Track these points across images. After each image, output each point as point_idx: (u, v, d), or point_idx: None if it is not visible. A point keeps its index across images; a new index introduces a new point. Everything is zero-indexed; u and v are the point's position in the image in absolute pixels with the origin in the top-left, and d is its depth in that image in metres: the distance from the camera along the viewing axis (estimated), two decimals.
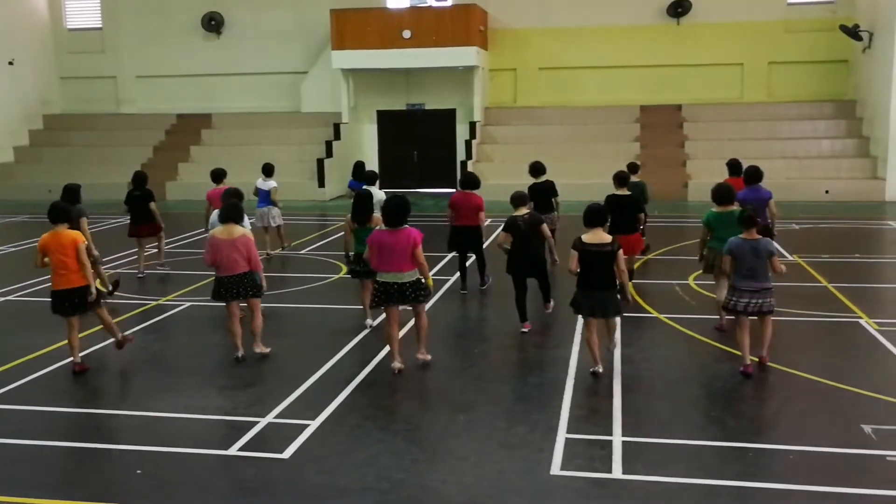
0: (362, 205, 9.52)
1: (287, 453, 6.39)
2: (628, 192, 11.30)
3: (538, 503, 5.64)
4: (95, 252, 9.79)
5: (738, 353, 8.16)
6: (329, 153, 24.38)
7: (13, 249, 16.18)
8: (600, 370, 7.99)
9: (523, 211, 9.66)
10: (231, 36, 26.96)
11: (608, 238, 7.95)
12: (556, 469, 6.07)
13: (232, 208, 8.64)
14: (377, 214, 9.15)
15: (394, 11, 24.85)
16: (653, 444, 6.54)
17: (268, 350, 8.83)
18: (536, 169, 12.94)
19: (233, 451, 6.47)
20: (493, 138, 25.06)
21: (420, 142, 25.89)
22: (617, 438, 6.58)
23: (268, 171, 14.45)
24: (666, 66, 24.66)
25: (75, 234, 8.28)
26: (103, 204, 19.76)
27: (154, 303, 11.24)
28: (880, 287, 12.34)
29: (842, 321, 10.04)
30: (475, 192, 11.48)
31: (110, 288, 10.94)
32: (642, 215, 11.55)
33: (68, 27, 28.29)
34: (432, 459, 6.34)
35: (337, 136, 24.84)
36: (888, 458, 6.18)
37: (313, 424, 6.93)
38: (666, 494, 5.71)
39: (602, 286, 7.94)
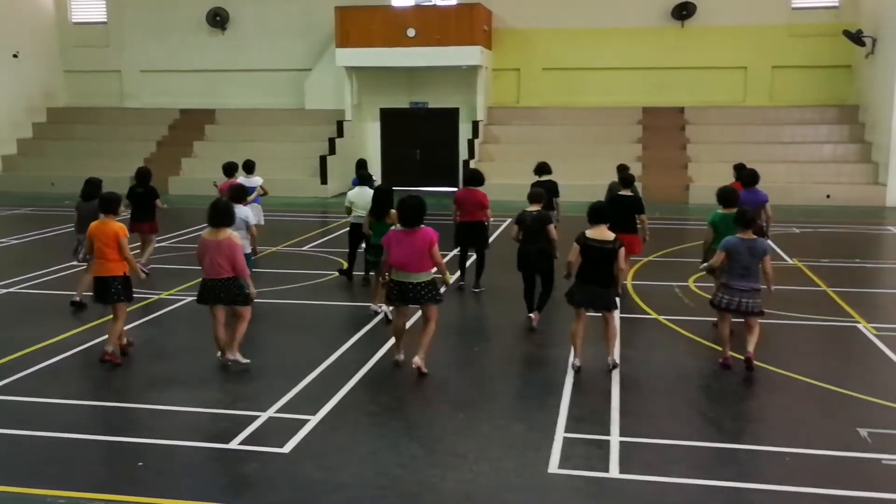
0: (381, 200, 9.69)
1: (287, 448, 6.44)
2: (631, 193, 11.41)
3: (535, 501, 5.69)
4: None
5: (736, 355, 8.22)
6: (332, 150, 24.41)
7: (15, 242, 16.23)
8: (580, 364, 8.07)
9: (534, 208, 9.74)
10: (236, 32, 27.00)
11: (611, 236, 8.05)
12: (553, 467, 6.12)
13: (218, 211, 8.17)
14: (394, 210, 9.29)
15: (398, 10, 24.88)
16: (650, 445, 6.59)
17: (245, 361, 8.29)
18: (542, 168, 13.05)
19: (233, 444, 6.52)
20: (495, 138, 25.09)
21: (423, 140, 25.91)
22: (614, 438, 6.63)
23: (249, 167, 14.19)
24: (669, 68, 24.67)
25: (119, 226, 8.53)
26: None
27: (156, 297, 11.29)
28: (879, 292, 12.39)
29: (840, 325, 10.08)
30: (479, 188, 11.66)
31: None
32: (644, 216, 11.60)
33: (73, 21, 28.32)
34: (431, 456, 6.38)
35: (340, 133, 24.88)
36: (884, 462, 6.23)
37: (313, 420, 6.98)
38: (662, 494, 5.76)
39: (599, 282, 8.04)
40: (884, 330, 9.71)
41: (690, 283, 12.09)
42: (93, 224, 8.58)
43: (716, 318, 9.51)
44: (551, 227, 9.70)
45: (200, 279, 8.34)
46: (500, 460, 6.26)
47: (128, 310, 8.80)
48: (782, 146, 23.15)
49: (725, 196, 9.31)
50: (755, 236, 8.08)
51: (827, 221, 18.75)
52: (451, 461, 6.28)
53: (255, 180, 14.09)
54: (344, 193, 24.27)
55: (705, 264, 8.96)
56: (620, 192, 11.41)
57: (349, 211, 11.91)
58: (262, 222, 14.41)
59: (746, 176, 10.88)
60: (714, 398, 7.74)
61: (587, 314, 8.28)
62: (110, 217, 8.55)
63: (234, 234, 8.22)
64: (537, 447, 6.46)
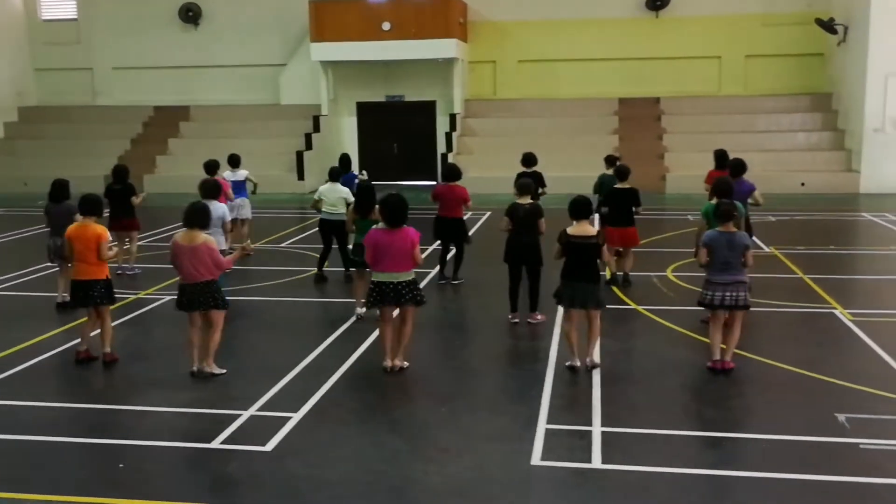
0: (365, 197, 9.69)
1: (270, 446, 6.41)
2: (628, 185, 11.36)
3: (519, 493, 5.71)
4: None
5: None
6: (308, 146, 24.30)
7: None
8: (578, 364, 8.02)
9: (526, 200, 9.67)
10: (209, 27, 26.76)
11: (593, 231, 8.05)
12: (536, 459, 6.14)
13: (196, 213, 7.91)
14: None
15: (373, 3, 24.73)
16: (631, 434, 6.63)
17: (222, 371, 8.06)
18: (528, 159, 12.98)
19: (215, 444, 6.49)
20: (473, 130, 25.09)
21: (400, 134, 25.85)
22: (596, 428, 6.67)
23: (235, 161, 14.12)
24: (644, 58, 24.78)
25: (101, 229, 8.37)
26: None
27: (133, 297, 11.20)
28: (854, 278, 12.54)
29: (817, 312, 10.19)
30: (458, 182, 11.60)
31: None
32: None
33: (43, 18, 27.92)
34: (414, 451, 6.39)
35: (316, 128, 24.77)
36: (861, 446, 6.30)
37: (296, 417, 6.96)
38: (644, 483, 5.80)
39: (584, 278, 8.01)
40: (860, 316, 9.83)
41: (669, 273, 12.16)
42: (72, 226, 8.41)
43: (702, 315, 9.49)
44: (542, 221, 9.57)
45: (178, 282, 8.13)
46: (484, 453, 6.27)
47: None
48: (757, 135, 23.31)
49: (720, 188, 9.25)
50: (735, 229, 8.04)
51: (802, 209, 18.93)
52: (435, 455, 6.29)
53: (241, 173, 14.05)
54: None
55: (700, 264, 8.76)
56: (618, 186, 11.33)
57: (316, 206, 11.83)
58: (250, 217, 14.33)
59: (734, 166, 10.75)
60: (694, 387, 7.81)
61: (576, 314, 8.14)
62: (91, 219, 8.36)
63: (209, 239, 7.99)
64: (520, 439, 6.48)
